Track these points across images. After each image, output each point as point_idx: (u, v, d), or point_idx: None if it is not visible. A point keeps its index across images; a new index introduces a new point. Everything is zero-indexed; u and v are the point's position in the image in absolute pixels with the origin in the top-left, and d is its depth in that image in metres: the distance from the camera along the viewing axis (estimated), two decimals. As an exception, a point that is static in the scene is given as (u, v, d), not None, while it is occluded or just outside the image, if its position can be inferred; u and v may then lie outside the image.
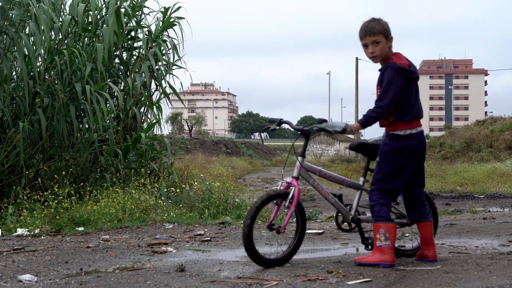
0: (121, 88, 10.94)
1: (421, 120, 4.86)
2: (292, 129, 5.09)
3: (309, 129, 5.00)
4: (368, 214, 5.15)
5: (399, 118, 4.74)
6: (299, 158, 4.98)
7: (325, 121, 4.94)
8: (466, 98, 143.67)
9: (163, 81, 11.47)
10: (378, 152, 4.89)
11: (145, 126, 10.83)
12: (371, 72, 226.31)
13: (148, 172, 10.34)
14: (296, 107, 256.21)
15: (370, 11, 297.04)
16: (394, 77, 4.64)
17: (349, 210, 5.13)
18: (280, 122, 5.17)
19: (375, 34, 4.75)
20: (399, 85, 4.64)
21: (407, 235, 6.99)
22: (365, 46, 4.83)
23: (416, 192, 4.98)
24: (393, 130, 4.78)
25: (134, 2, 11.24)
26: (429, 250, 4.99)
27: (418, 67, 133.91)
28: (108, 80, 10.17)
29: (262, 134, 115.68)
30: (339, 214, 5.18)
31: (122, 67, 11.22)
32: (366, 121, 4.71)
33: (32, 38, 9.06)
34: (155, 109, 11.48)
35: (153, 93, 11.50)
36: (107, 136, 9.97)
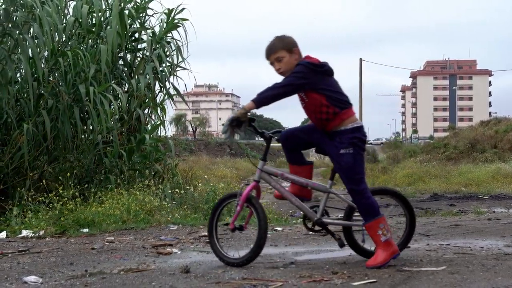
0: (125, 89, 10.93)
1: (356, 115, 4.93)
2: (254, 132, 5.20)
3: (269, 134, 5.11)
4: (333, 216, 5.21)
5: (338, 110, 4.79)
6: (260, 162, 5.07)
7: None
8: (470, 98, 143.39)
9: (167, 83, 11.48)
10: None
11: (149, 128, 10.83)
12: (375, 73, 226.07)
13: (152, 173, 10.34)
14: (299, 109, 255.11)
15: (372, 12, 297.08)
16: (301, 69, 4.74)
17: (316, 212, 5.07)
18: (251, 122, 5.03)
19: (276, 52, 4.90)
20: (303, 75, 4.71)
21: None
22: (271, 64, 4.97)
23: None
24: (352, 123, 4.83)
25: (137, 4, 11.24)
26: None
27: (422, 68, 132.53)
28: (112, 81, 10.18)
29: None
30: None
31: (126, 69, 11.22)
32: (260, 100, 4.72)
33: (36, 40, 9.07)
34: (159, 111, 11.48)
35: (157, 95, 11.50)
36: (111, 138, 9.97)
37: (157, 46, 11.24)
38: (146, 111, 11.16)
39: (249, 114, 4.88)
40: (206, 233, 7.17)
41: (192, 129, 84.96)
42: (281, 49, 4.90)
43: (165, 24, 11.46)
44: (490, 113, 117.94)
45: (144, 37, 11.36)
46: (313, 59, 4.86)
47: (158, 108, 11.46)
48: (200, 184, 10.91)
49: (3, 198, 8.54)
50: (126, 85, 11.10)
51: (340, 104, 4.79)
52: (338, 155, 4.80)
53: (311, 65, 4.75)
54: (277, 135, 5.08)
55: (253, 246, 4.89)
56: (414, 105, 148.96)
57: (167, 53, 11.56)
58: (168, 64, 11.48)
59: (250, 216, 5.14)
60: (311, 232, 5.27)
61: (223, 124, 4.93)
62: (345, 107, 4.81)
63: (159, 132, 11.47)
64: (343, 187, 5.02)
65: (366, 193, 4.86)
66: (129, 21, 10.81)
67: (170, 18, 11.42)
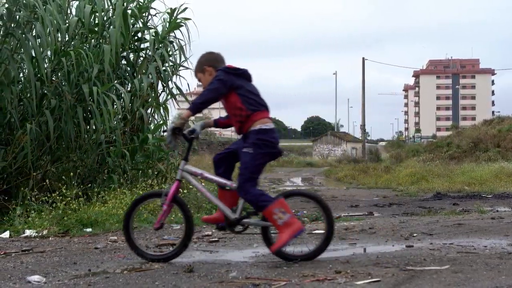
0: (128, 89, 10.93)
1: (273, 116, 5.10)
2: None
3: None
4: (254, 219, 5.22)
5: (250, 112, 5.03)
6: (182, 162, 5.31)
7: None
8: (473, 97, 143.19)
9: (169, 82, 11.47)
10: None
11: (152, 127, 10.83)
12: (377, 72, 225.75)
13: (155, 173, 10.34)
14: (302, 108, 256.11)
15: (374, 11, 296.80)
16: (219, 73, 5.08)
17: (235, 212, 5.14)
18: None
19: (196, 75, 5.37)
20: (221, 77, 5.02)
21: (415, 235, 6.98)
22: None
23: None
24: (260, 125, 5.04)
25: (140, 3, 11.24)
26: None
27: (424, 67, 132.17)
28: (115, 81, 10.18)
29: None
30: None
31: (129, 68, 11.22)
32: (195, 107, 5.00)
33: (38, 40, 9.08)
34: (162, 110, 11.48)
35: (159, 94, 11.50)
36: (114, 138, 9.97)
37: (160, 45, 11.24)
38: (149, 110, 11.17)
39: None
40: (209, 233, 7.18)
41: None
42: (196, 72, 5.36)
43: (167, 24, 11.45)
44: (493, 112, 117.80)
45: (147, 37, 11.37)
46: (232, 66, 5.17)
47: (161, 108, 11.46)
48: (203, 184, 10.89)
49: (6, 198, 8.55)
50: (129, 84, 11.10)
51: (253, 107, 5.04)
52: (240, 152, 5.06)
53: (228, 69, 5.11)
54: (194, 134, 5.19)
55: (180, 242, 5.20)
56: (417, 104, 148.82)
57: (170, 53, 11.56)
58: (171, 63, 11.48)
59: (167, 214, 5.27)
60: (232, 232, 5.29)
61: (165, 131, 5.10)
62: (258, 109, 5.05)
63: (162, 131, 11.47)
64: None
65: (249, 191, 4.96)
66: (132, 21, 10.82)
67: (173, 17, 11.41)
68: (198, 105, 4.99)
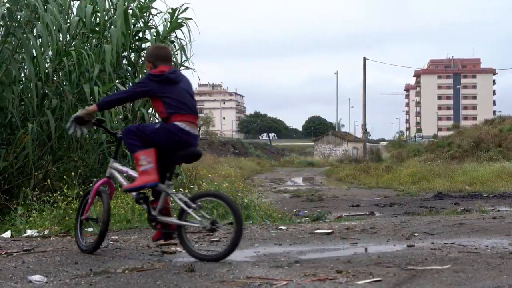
0: (129, 89, 10.92)
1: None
2: (107, 132, 6.19)
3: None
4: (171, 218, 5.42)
5: (168, 115, 5.36)
6: (111, 160, 5.83)
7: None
8: (474, 97, 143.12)
9: (171, 82, 11.45)
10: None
11: (153, 127, 10.80)
12: (378, 72, 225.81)
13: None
14: (302, 108, 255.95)
15: (374, 12, 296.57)
16: (143, 79, 5.64)
17: (155, 209, 5.43)
18: (96, 123, 5.79)
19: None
20: (143, 84, 5.48)
21: (416, 234, 6.98)
22: None
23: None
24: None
25: (141, 3, 11.23)
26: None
27: (425, 67, 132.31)
28: (116, 81, 10.17)
29: (270, 134, 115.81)
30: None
31: (130, 68, 11.22)
32: (102, 104, 5.62)
33: (39, 40, 9.08)
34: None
35: (161, 94, 11.49)
36: (115, 137, 9.96)
37: (161, 45, 11.24)
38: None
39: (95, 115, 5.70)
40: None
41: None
42: (145, 60, 5.88)
43: (168, 24, 11.44)
44: (494, 111, 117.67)
45: (148, 37, 11.36)
46: (156, 71, 5.46)
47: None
48: (204, 183, 10.92)
49: (7, 198, 8.55)
50: (130, 84, 11.10)
51: (172, 110, 5.34)
52: None
53: (151, 76, 5.44)
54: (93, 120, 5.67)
55: (96, 237, 5.63)
56: (418, 104, 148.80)
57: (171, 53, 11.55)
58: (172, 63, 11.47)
59: (90, 206, 5.86)
60: (151, 228, 5.65)
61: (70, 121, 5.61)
62: (176, 112, 5.35)
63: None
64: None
65: (128, 137, 5.43)
66: (133, 21, 10.82)
67: (174, 17, 11.40)
68: (105, 103, 5.63)
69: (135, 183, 5.36)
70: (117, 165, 5.73)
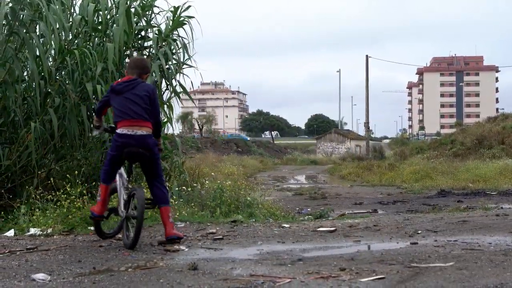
0: (132, 87, 10.90)
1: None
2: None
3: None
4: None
5: (115, 121, 6.21)
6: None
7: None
8: (477, 95, 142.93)
9: (173, 80, 11.44)
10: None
11: (156, 125, 10.80)
12: (381, 70, 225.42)
13: (159, 171, 10.31)
14: (305, 106, 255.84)
15: (376, 10, 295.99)
16: (108, 90, 6.46)
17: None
18: (107, 129, 6.73)
19: None
20: (106, 94, 6.45)
21: (419, 232, 6.98)
22: None
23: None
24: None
25: (144, 2, 11.22)
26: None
27: (428, 64, 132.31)
28: (119, 79, 10.18)
29: (272, 132, 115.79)
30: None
31: (132, 67, 11.20)
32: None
33: (42, 39, 9.08)
34: (165, 108, 11.47)
35: (163, 92, 11.49)
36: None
37: (163, 44, 11.22)
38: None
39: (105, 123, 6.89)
40: (213, 230, 7.18)
41: (199, 126, 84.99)
42: None
43: (171, 22, 11.43)
44: (497, 109, 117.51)
45: (150, 35, 11.35)
46: (115, 81, 6.51)
47: (165, 106, 11.45)
48: (207, 182, 10.92)
49: (11, 197, 8.56)
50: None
51: (116, 117, 6.17)
52: None
53: (111, 87, 6.33)
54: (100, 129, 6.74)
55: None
56: (420, 101, 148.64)
57: (173, 51, 11.54)
58: (174, 62, 11.46)
59: None
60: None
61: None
62: (119, 121, 6.12)
63: (166, 130, 11.46)
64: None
65: (102, 173, 6.52)
66: (135, 19, 10.80)
67: (176, 15, 11.39)
68: (95, 112, 6.72)
69: (93, 208, 6.48)
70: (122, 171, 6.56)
